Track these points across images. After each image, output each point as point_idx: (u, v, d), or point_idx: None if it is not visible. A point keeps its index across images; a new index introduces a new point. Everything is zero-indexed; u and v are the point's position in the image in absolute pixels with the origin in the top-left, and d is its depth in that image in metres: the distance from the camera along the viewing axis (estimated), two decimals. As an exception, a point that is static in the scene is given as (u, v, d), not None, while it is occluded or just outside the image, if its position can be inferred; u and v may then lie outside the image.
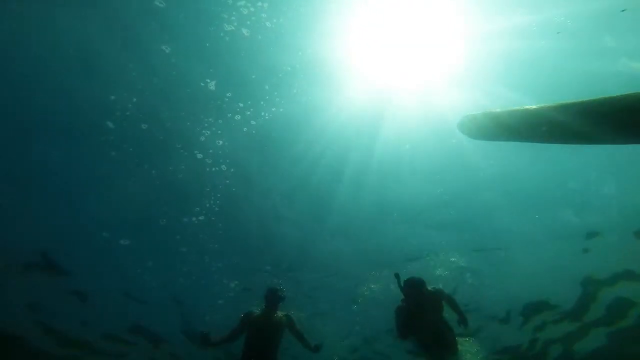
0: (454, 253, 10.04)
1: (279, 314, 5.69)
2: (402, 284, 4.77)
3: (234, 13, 5.39)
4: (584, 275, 10.32)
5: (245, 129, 7.45)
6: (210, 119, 7.31)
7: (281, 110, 7.14)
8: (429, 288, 4.99)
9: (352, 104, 7.23)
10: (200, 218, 9.02)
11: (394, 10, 5.84)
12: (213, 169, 8.28)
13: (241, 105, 7.00)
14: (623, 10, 5.82)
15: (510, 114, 4.66)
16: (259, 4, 5.27)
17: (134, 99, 7.13)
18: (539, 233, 9.22)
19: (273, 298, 5.69)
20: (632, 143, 3.92)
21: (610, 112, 3.63)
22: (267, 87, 6.63)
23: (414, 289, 4.71)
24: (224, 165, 8.26)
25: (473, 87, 6.71)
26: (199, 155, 7.99)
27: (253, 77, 6.43)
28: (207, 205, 8.93)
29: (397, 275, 4.87)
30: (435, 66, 6.60)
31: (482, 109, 4.94)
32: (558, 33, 5.68)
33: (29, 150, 7.97)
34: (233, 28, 5.49)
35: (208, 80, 6.67)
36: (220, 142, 7.73)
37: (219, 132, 7.58)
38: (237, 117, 7.11)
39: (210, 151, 7.91)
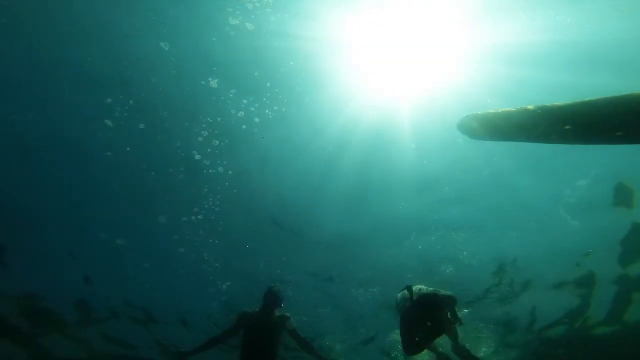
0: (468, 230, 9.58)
1: (276, 314, 5.56)
2: (416, 303, 4.34)
3: (238, 7, 5.38)
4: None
5: (244, 127, 7.41)
6: (209, 119, 7.30)
7: (284, 109, 7.11)
8: (437, 294, 4.50)
9: (357, 99, 7.19)
10: (199, 217, 8.95)
11: (398, 9, 5.85)
12: (211, 170, 8.19)
13: (245, 101, 6.97)
14: None
15: (510, 114, 4.70)
16: (264, -1, 5.31)
17: (131, 101, 7.05)
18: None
19: (272, 299, 5.55)
20: (632, 143, 3.96)
21: (610, 113, 3.67)
22: (268, 84, 6.65)
23: (431, 312, 4.22)
24: (221, 167, 8.19)
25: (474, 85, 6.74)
26: (197, 156, 7.95)
27: (256, 74, 6.45)
28: (206, 206, 8.88)
29: (408, 288, 4.45)
30: (441, 65, 6.65)
31: (482, 109, 4.98)
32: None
33: (27, 149, 7.91)
34: (237, 22, 5.53)
35: (210, 79, 6.66)
36: (217, 142, 7.70)
37: (216, 131, 7.55)
38: (241, 113, 7.08)
39: (209, 150, 7.86)
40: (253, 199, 8.93)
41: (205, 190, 8.46)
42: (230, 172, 8.22)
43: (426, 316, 4.23)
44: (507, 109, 4.85)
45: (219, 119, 7.29)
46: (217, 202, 8.70)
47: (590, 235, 9.22)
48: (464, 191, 8.63)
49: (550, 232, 9.35)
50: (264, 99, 6.73)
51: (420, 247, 9.83)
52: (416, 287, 4.72)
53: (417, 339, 4.31)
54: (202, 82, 6.70)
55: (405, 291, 4.73)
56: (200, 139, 7.62)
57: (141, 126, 7.54)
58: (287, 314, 5.63)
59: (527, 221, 9.17)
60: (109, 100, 7.08)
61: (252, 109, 7.09)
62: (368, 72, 6.81)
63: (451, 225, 9.40)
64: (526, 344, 12.73)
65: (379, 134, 7.69)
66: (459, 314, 5.11)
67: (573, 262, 10.01)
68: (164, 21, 5.95)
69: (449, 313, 4.61)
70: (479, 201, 8.81)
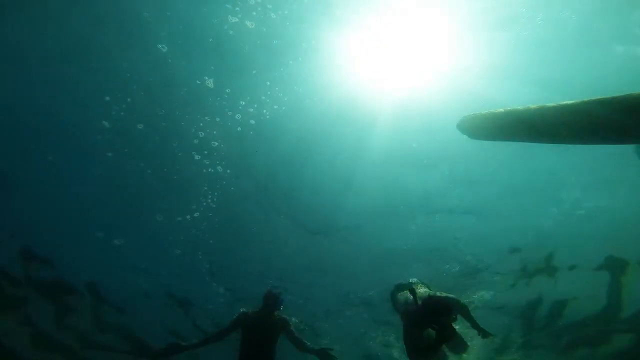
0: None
1: (275, 317, 5.63)
2: (423, 306, 4.13)
3: (239, 3, 5.33)
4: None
5: (238, 129, 7.39)
6: (207, 118, 7.25)
7: (283, 108, 7.10)
8: (440, 295, 4.32)
9: (358, 99, 7.20)
10: (196, 215, 8.91)
11: (398, 6, 5.88)
12: (210, 170, 8.20)
13: (243, 103, 6.97)
14: None
15: (510, 114, 4.68)
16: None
17: (129, 99, 7.09)
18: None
19: (272, 301, 5.63)
20: (632, 143, 3.95)
21: (611, 112, 3.66)
22: (268, 83, 6.60)
23: (439, 317, 3.97)
24: (219, 167, 8.18)
25: (473, 85, 6.76)
26: (197, 157, 7.91)
27: (254, 72, 6.41)
28: (204, 204, 8.84)
29: (412, 291, 4.29)
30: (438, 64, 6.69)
31: (482, 109, 4.97)
32: None
33: (25, 149, 7.96)
34: (237, 20, 5.49)
35: (206, 78, 6.65)
36: (216, 144, 7.67)
37: (215, 132, 7.50)
38: (238, 116, 7.09)
39: (206, 152, 7.84)
40: (250, 193, 8.94)
41: (205, 188, 8.43)
42: (228, 171, 8.19)
43: (432, 321, 4.07)
44: (508, 108, 4.84)
45: (217, 119, 7.28)
46: (215, 199, 8.71)
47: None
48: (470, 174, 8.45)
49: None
50: (263, 97, 6.71)
51: (425, 234, 9.61)
52: (419, 291, 4.60)
53: (422, 344, 4.21)
54: (198, 82, 6.68)
55: (406, 292, 4.62)
56: (196, 141, 7.60)
57: (139, 126, 7.53)
58: (286, 317, 5.70)
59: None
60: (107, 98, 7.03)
61: (251, 110, 7.08)
62: (370, 67, 6.83)
63: (456, 211, 9.10)
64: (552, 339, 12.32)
65: (379, 129, 7.72)
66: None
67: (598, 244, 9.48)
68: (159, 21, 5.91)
69: (455, 318, 4.42)
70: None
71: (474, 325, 4.75)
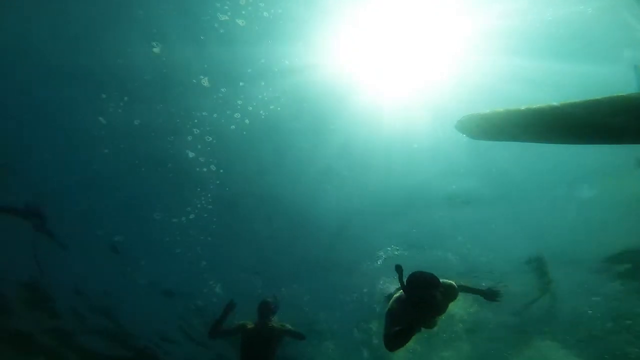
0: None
1: (272, 325, 5.67)
2: (406, 282, 3.52)
3: (227, 1, 5.26)
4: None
5: (232, 127, 7.35)
6: (204, 113, 7.20)
7: (279, 109, 7.03)
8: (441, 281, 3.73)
9: (353, 98, 7.10)
10: (191, 217, 8.91)
11: (396, 5, 5.78)
12: (203, 169, 8.17)
13: (240, 102, 6.90)
14: None
15: (510, 114, 4.58)
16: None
17: (125, 98, 7.05)
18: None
19: (265, 310, 5.68)
20: (632, 143, 3.85)
21: (611, 112, 3.56)
22: (263, 83, 6.53)
23: (423, 290, 3.41)
24: (213, 166, 8.14)
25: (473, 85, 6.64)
26: (190, 155, 7.88)
27: (249, 71, 6.34)
28: (199, 205, 8.80)
29: (398, 268, 3.55)
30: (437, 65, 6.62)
31: (481, 108, 4.85)
32: None
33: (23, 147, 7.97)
34: (227, 18, 5.42)
35: (201, 77, 6.58)
36: (210, 138, 7.62)
37: (208, 128, 7.47)
38: (237, 114, 7.05)
39: (199, 146, 7.79)
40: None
41: (198, 189, 8.41)
42: (221, 171, 8.17)
43: (418, 297, 3.48)
44: (506, 108, 4.74)
45: (214, 115, 7.23)
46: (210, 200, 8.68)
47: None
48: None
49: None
50: (260, 96, 6.63)
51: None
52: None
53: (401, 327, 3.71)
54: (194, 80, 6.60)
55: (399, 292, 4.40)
56: (190, 137, 7.54)
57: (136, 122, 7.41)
58: (283, 323, 5.78)
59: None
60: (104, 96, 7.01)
61: (250, 108, 7.02)
62: (368, 70, 6.75)
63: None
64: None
65: (376, 133, 7.63)
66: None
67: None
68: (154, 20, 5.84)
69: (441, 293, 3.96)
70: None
71: (475, 291, 4.46)
